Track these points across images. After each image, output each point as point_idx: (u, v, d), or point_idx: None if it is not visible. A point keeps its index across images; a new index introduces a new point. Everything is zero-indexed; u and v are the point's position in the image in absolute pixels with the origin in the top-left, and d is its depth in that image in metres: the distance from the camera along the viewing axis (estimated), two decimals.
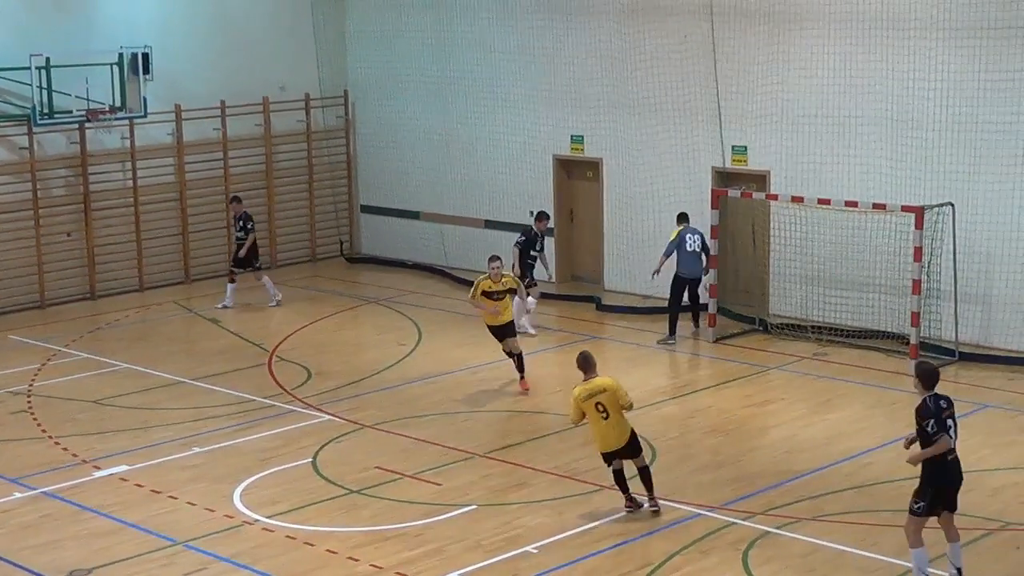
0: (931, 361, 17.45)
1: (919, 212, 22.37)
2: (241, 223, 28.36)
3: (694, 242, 24.68)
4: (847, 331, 24.35)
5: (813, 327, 24.68)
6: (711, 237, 24.82)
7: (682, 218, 25.08)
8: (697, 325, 25.23)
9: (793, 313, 25.33)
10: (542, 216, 26.41)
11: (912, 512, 14.25)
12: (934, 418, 14.09)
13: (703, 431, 20.34)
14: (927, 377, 14.37)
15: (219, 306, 28.12)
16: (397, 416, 20.90)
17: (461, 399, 21.85)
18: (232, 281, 28.30)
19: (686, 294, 24.97)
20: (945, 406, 14.29)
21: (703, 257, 24.78)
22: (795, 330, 24.80)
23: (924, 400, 14.26)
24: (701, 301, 25.22)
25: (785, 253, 25.43)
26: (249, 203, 31.28)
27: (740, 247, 26.30)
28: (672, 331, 24.76)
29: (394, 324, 26.86)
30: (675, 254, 24.74)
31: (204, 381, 22.92)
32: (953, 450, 14.24)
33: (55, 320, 27.51)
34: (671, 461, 18.72)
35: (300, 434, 20.18)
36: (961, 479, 14.42)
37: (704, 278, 24.89)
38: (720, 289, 25.14)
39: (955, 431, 14.35)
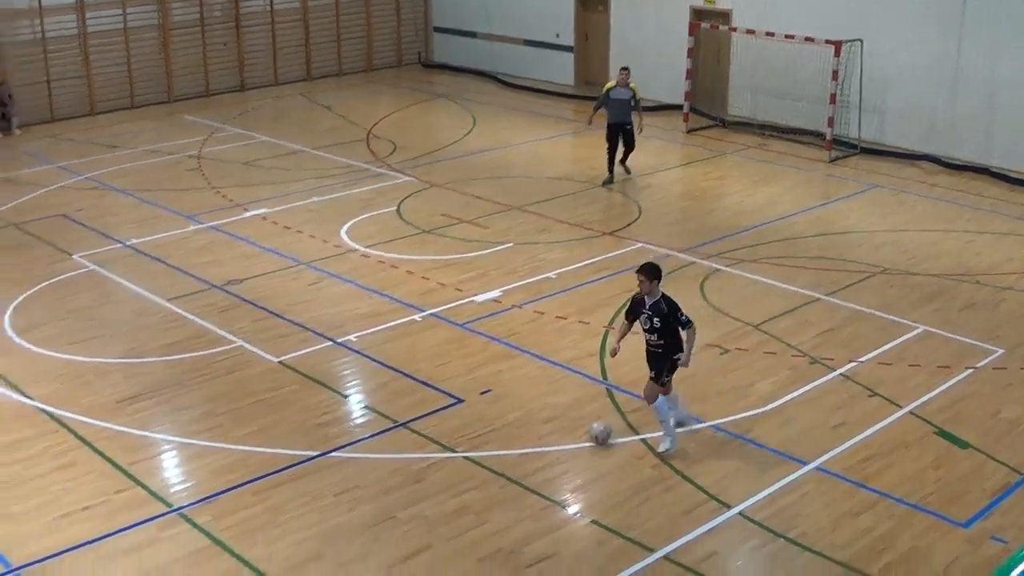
0: None
1: (837, 45, 22.04)
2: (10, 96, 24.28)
3: (620, 95, 20.37)
4: (782, 128, 24.10)
5: (758, 124, 24.46)
6: (687, 57, 24.49)
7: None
8: (623, 164, 21.01)
9: (744, 114, 25.09)
10: None
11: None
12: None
13: (676, 197, 20.39)
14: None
15: None
16: (459, 178, 20.94)
17: (504, 167, 21.81)
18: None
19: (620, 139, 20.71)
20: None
21: (631, 105, 20.47)
22: (745, 126, 24.54)
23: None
24: (631, 143, 20.79)
25: (740, 71, 25.11)
26: (350, 20, 30.79)
27: (709, 65, 25.88)
28: (610, 172, 20.74)
29: (457, 113, 26.61)
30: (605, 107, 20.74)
31: (319, 151, 22.92)
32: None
33: (216, 106, 27.38)
34: (652, 218, 18.79)
35: (388, 189, 20.25)
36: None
37: (635, 125, 20.58)
38: (693, 95, 24.87)
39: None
